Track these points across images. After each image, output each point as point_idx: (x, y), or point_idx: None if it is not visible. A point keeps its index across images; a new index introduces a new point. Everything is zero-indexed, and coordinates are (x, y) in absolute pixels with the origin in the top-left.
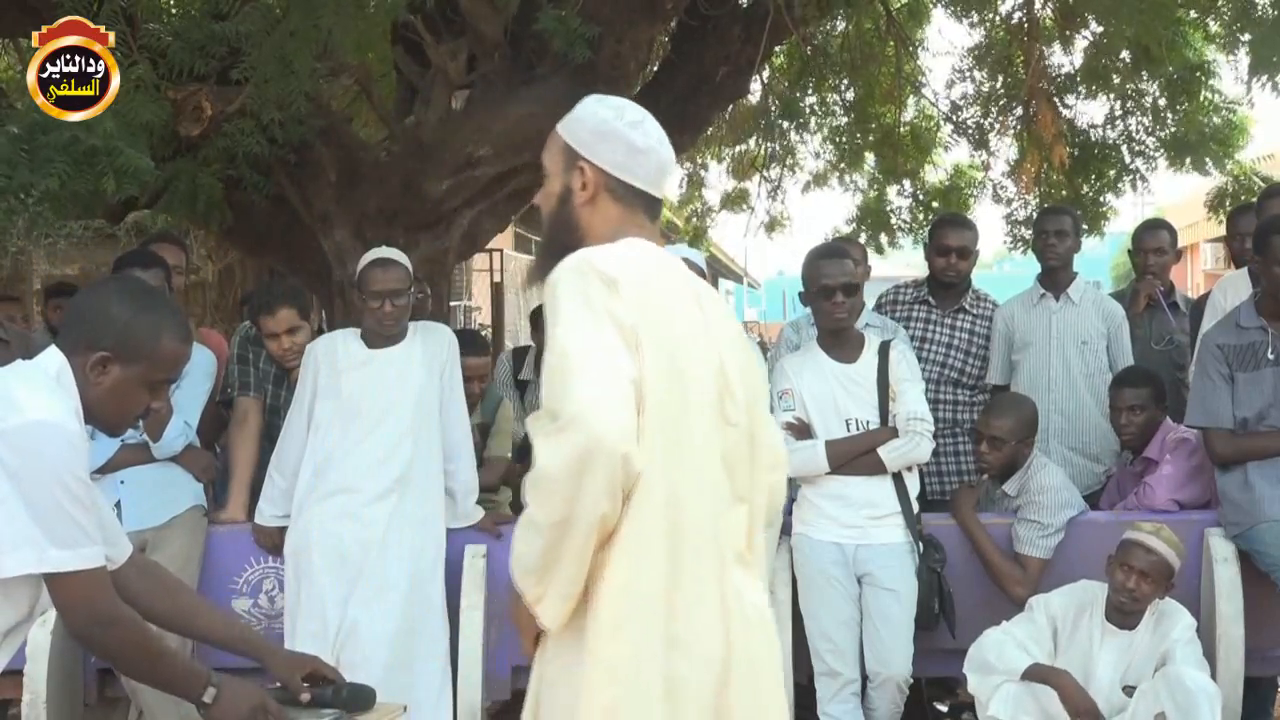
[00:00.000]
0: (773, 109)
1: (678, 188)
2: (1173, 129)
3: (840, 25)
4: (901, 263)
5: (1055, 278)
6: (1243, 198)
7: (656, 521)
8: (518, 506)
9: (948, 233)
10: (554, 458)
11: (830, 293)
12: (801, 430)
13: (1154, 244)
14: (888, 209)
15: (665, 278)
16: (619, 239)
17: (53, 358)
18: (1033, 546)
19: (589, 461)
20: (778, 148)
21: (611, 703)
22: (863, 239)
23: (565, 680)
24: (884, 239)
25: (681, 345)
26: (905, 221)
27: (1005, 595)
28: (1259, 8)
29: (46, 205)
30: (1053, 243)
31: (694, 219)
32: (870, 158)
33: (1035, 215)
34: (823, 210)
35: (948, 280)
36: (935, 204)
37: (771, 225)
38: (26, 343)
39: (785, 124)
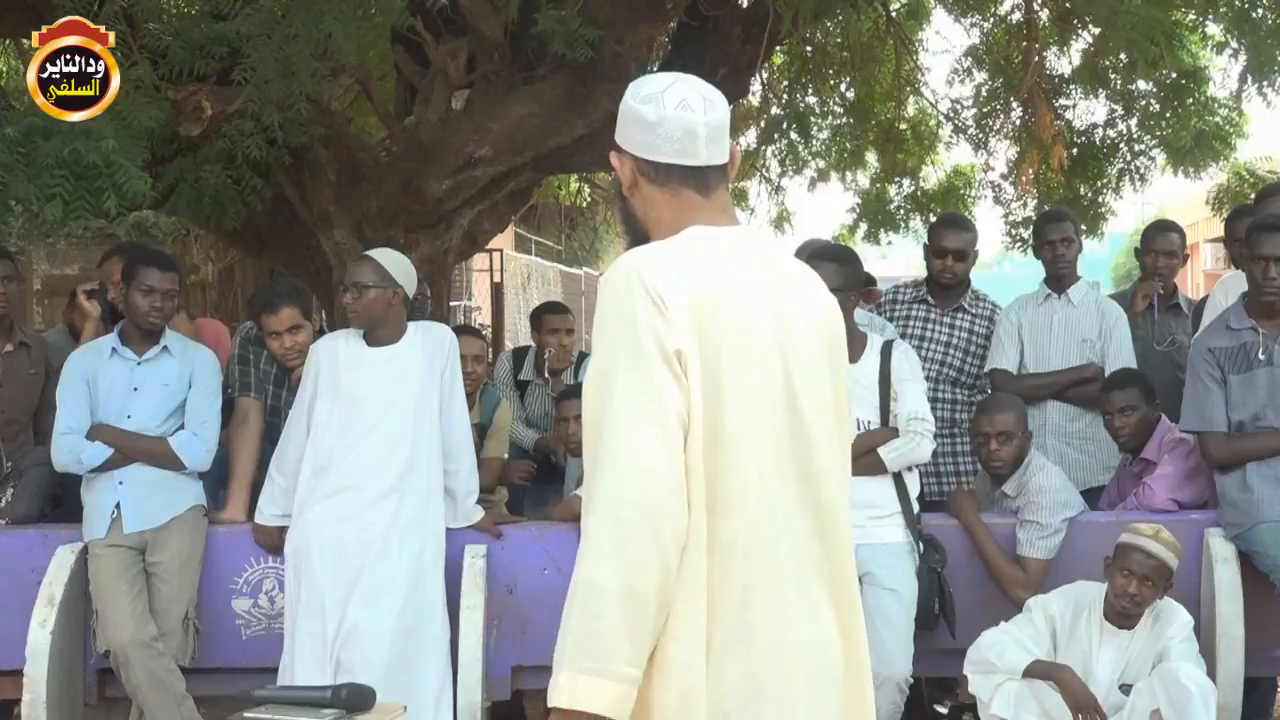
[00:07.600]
0: (779, 108)
1: None
2: (1168, 131)
3: (840, 26)
4: (902, 263)
5: (1062, 281)
6: (1244, 192)
7: (698, 571)
8: (514, 506)
9: (945, 234)
10: (604, 517)
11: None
12: None
13: (1164, 246)
14: (890, 205)
15: (725, 277)
16: (681, 226)
17: None
18: (1033, 548)
19: (646, 516)
20: (779, 148)
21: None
22: (861, 235)
23: None
24: (885, 235)
25: (735, 362)
26: (904, 218)
27: (1006, 596)
28: (1258, 11)
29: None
30: (1061, 252)
31: None
32: (871, 156)
33: (1034, 218)
34: (826, 207)
35: (944, 282)
36: (933, 204)
37: (779, 221)
38: (43, 346)
39: (787, 124)
